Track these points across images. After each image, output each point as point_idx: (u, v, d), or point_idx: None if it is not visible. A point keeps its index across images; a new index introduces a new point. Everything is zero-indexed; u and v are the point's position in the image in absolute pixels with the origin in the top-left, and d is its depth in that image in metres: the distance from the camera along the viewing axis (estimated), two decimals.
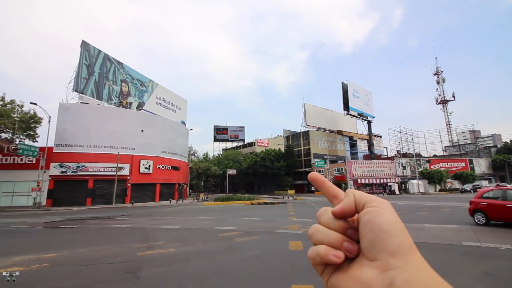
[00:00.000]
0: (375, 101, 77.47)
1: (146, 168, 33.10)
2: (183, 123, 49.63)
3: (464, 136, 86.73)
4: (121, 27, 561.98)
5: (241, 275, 4.86)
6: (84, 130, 29.57)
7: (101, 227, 11.98)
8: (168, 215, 16.94)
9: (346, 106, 57.94)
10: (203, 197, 40.93)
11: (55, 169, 27.69)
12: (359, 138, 70.90)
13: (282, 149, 61.17)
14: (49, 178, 27.37)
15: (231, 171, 52.81)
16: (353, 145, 69.88)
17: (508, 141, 64.50)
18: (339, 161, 55.31)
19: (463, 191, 41.58)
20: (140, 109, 40.10)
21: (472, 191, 40.19)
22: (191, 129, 46.92)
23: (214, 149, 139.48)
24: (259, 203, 25.13)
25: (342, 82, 59.76)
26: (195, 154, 71.80)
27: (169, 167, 36.35)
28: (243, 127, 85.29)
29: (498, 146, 69.22)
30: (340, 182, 48.41)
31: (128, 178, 31.21)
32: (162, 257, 6.26)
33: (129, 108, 38.36)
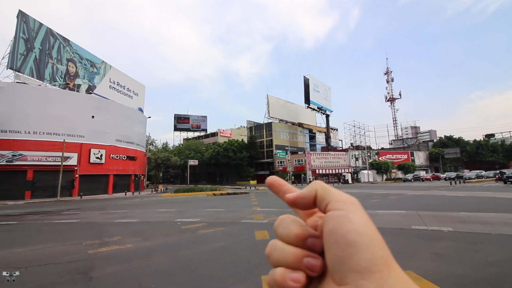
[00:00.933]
0: (333, 96, 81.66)
1: (97, 157, 30.36)
2: (141, 110, 46.42)
3: (407, 131, 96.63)
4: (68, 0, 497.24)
5: (209, 268, 4.67)
6: (21, 113, 25.82)
7: (44, 223, 10.65)
8: (124, 208, 15.80)
9: (307, 100, 60.05)
10: (162, 189, 39.21)
11: None
12: (318, 130, 74.43)
13: (245, 140, 61.31)
14: None
15: (193, 162, 51.32)
16: (312, 137, 73.17)
17: (443, 136, 73.78)
18: (299, 153, 57.51)
19: (405, 180, 46.67)
20: (91, 93, 36.31)
21: (412, 180, 45.28)
22: (149, 117, 44.15)
23: (175, 138, 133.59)
24: (222, 194, 24.92)
25: (304, 76, 61.61)
26: (154, 144, 68.14)
27: (124, 157, 33.88)
28: (206, 116, 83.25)
29: (434, 140, 78.77)
30: (300, 172, 50.48)
31: (76, 168, 28.32)
32: (118, 254, 5.74)
33: (77, 91, 34.46)
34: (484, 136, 70.08)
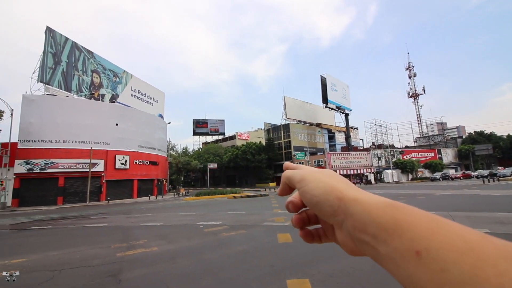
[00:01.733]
0: (352, 95, 79.71)
1: (122, 163, 31.64)
2: (161, 116, 47.91)
3: (433, 127, 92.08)
4: (92, 14, 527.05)
5: (232, 272, 4.65)
6: (51, 124, 27.49)
7: (75, 227, 11.20)
8: (148, 211, 16.29)
9: (325, 99, 58.99)
10: (184, 192, 40.07)
11: (20, 167, 25.58)
12: (337, 130, 72.81)
13: (263, 142, 61.31)
14: (14, 176, 25.26)
15: (212, 165, 52.09)
16: (331, 137, 71.68)
17: (472, 132, 69.46)
18: (319, 153, 56.53)
19: (433, 179, 44.31)
20: (114, 102, 38.02)
21: (441, 179, 42.91)
22: (169, 123, 45.44)
23: (194, 143, 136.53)
24: (241, 196, 25.00)
25: (321, 75, 60.62)
26: (174, 149, 69.96)
27: (147, 162, 35.05)
28: (223, 120, 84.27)
29: (463, 137, 74.34)
30: None
31: (102, 174, 29.67)
32: (144, 257, 5.88)
33: (102, 100, 36.23)
34: None
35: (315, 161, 51.92)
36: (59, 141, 27.74)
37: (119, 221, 12.21)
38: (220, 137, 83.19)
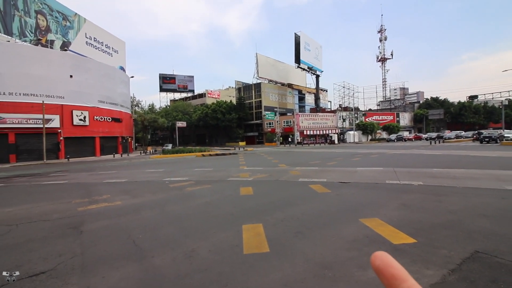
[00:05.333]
0: (324, 55, 79.24)
1: (81, 119, 29.49)
2: (122, 69, 44.00)
3: (395, 92, 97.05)
4: None
5: (194, 221, 5.00)
6: None
7: (32, 185, 10.73)
8: (112, 169, 15.95)
9: (297, 59, 58.16)
10: (151, 151, 39.26)
11: None
12: (308, 91, 73.63)
13: (234, 101, 60.35)
14: None
15: (181, 123, 50.74)
16: (301, 98, 72.60)
17: (429, 97, 74.81)
18: (288, 114, 57.56)
19: (389, 140, 48.44)
20: (66, 50, 33.71)
21: (395, 140, 47.00)
22: (132, 77, 42.13)
23: (161, 100, 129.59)
24: (210, 155, 25.30)
25: (295, 33, 58.70)
26: (139, 105, 66.18)
27: (109, 119, 33.04)
28: (192, 76, 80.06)
29: (421, 102, 79.97)
30: (288, 133, 51.19)
31: (59, 131, 27.62)
32: (107, 210, 5.99)
33: (51, 47, 31.90)
34: (467, 97, 71.47)
35: (284, 121, 53.05)
36: (4, 93, 24.63)
37: (81, 178, 11.89)
38: (189, 94, 79.78)
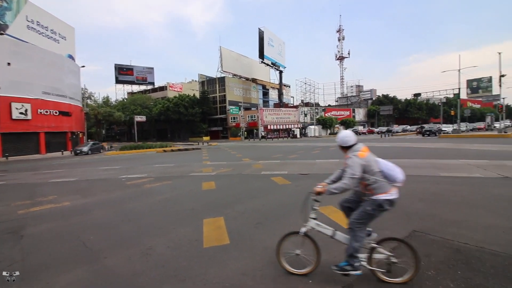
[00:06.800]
0: (287, 52, 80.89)
1: (21, 113, 26.15)
2: (71, 57, 39.80)
3: (352, 89, 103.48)
4: None
5: (152, 218, 4.82)
6: None
7: None
8: (60, 167, 14.53)
9: (261, 54, 58.60)
10: (107, 147, 36.52)
11: None
12: (271, 87, 74.79)
13: (197, 95, 58.78)
14: None
15: (140, 118, 47.99)
16: (265, 93, 73.53)
17: (381, 95, 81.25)
18: (253, 109, 57.95)
19: None
20: (2, 34, 29.33)
21: None
22: (83, 66, 38.36)
23: (117, 92, 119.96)
24: (172, 150, 24.44)
25: (259, 28, 58.97)
26: (92, 98, 60.80)
27: (56, 112, 29.81)
28: (152, 68, 75.92)
29: (373, 98, 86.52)
30: (252, 128, 51.63)
31: None
32: (53, 212, 5.47)
33: None
34: (413, 95, 79.25)
35: (248, 116, 53.34)
36: None
37: (22, 179, 10.63)
38: (149, 87, 75.56)
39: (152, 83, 75.51)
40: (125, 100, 65.44)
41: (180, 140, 54.35)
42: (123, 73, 71.99)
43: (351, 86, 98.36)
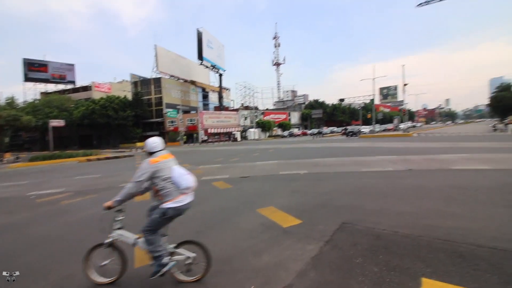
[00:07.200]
0: (226, 55, 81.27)
1: None
2: None
3: (287, 94, 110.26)
4: None
5: (70, 241, 4.09)
6: None
7: None
8: None
9: (200, 56, 57.40)
10: (12, 158, 30.10)
11: None
12: (211, 90, 73.87)
13: (129, 97, 53.76)
14: None
15: (57, 122, 41.01)
16: (205, 96, 72.18)
17: (312, 100, 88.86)
18: (192, 112, 56.12)
19: (283, 136, 54.90)
20: None
21: (288, 136, 53.67)
22: None
23: (26, 92, 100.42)
24: (99, 159, 21.70)
25: (198, 29, 57.63)
26: None
27: None
28: (73, 65, 66.17)
29: (306, 103, 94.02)
30: (192, 132, 50.03)
31: None
32: None
33: None
34: (338, 100, 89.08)
35: (188, 119, 51.46)
36: None
37: None
38: (69, 86, 65.58)
39: (73, 82, 65.83)
40: (36, 102, 55.25)
41: (109, 147, 48.64)
42: (34, 69, 60.72)
43: (287, 91, 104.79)
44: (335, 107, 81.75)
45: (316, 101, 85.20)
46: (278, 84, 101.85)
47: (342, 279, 2.59)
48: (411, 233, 3.56)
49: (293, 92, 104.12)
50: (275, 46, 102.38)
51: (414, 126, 67.83)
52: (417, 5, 31.65)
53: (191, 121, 51.25)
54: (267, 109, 78.29)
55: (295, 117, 75.90)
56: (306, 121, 76.00)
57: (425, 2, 30.71)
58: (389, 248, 3.16)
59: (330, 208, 4.91)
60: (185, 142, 47.69)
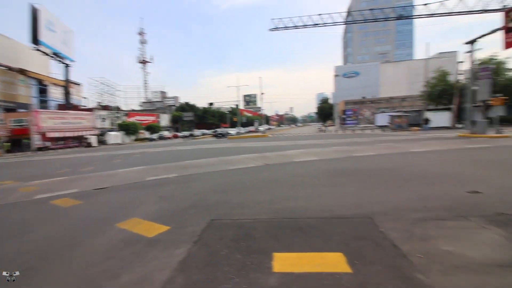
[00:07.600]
0: (77, 45, 66.00)
1: None
2: None
3: (156, 95, 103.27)
4: None
5: None
6: None
7: None
8: None
9: (35, 39, 43.50)
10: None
11: None
12: (53, 83, 57.64)
13: None
14: None
15: None
16: (43, 90, 55.42)
17: (184, 102, 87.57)
18: (20, 110, 41.80)
19: (152, 139, 51.01)
20: None
21: (157, 139, 50.45)
22: None
23: None
24: None
25: (32, 5, 43.30)
26: None
27: None
28: None
29: (176, 105, 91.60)
30: (20, 137, 37.44)
31: None
32: None
33: None
34: (208, 104, 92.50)
35: (13, 120, 37.95)
36: None
37: None
38: None
39: None
40: None
41: None
42: None
43: (156, 92, 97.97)
44: (205, 110, 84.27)
45: (187, 104, 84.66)
46: (145, 83, 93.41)
47: (209, 274, 2.66)
48: (267, 218, 4.16)
49: (163, 93, 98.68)
50: (141, 43, 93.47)
51: (269, 128, 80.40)
52: (269, 29, 38.00)
53: (18, 122, 38.18)
54: (132, 110, 70.04)
55: (165, 119, 72.16)
56: (177, 123, 73.99)
57: (275, 28, 37.52)
58: (249, 234, 3.55)
59: (200, 208, 4.96)
60: (8, 151, 34.92)
